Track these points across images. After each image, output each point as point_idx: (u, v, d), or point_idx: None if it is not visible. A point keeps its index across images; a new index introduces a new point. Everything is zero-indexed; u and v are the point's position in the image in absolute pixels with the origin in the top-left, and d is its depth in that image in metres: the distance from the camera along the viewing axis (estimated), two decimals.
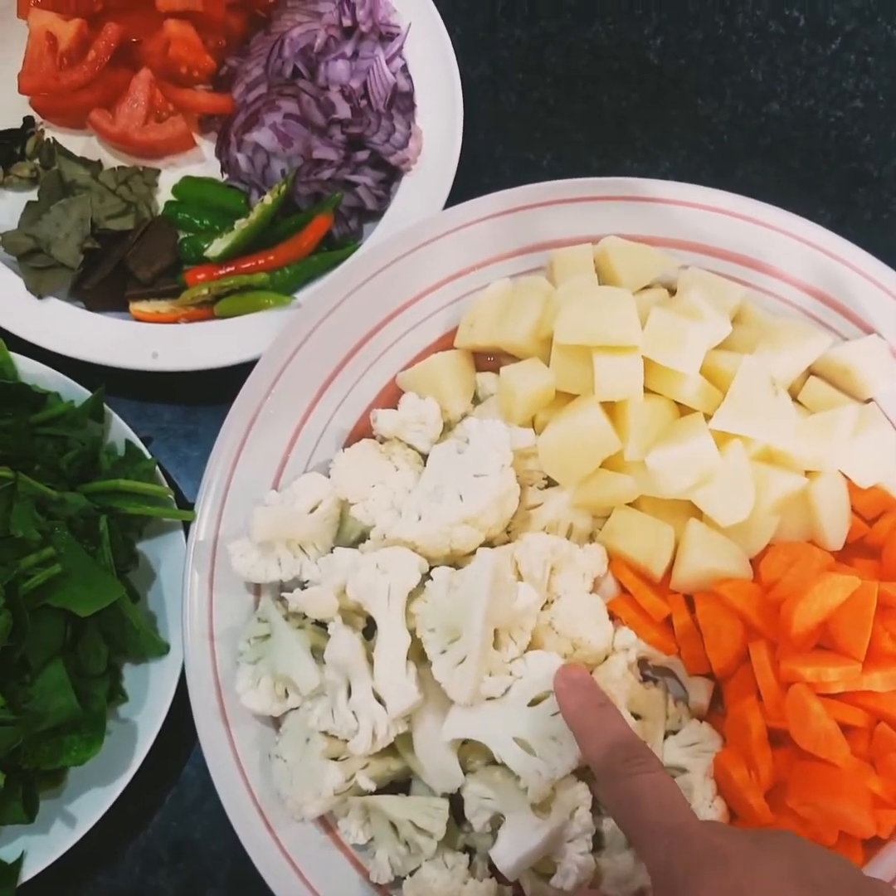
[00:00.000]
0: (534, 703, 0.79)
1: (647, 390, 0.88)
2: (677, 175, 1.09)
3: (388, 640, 0.79)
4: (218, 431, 0.96)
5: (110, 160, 1.06)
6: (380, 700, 0.78)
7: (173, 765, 0.90)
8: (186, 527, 0.89)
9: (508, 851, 0.76)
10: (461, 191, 1.03)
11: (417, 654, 0.81)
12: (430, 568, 0.83)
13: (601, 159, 1.13)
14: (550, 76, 1.16)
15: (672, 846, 0.61)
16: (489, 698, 0.78)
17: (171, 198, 1.05)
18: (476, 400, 0.96)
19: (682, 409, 0.90)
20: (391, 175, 1.04)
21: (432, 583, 0.81)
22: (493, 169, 1.11)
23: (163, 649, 0.85)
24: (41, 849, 0.81)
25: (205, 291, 0.97)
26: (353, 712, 0.77)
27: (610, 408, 0.88)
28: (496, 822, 0.79)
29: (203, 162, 1.07)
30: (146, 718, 0.84)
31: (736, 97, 1.16)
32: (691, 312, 0.89)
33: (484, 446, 0.85)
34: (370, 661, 0.79)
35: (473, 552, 0.85)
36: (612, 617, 0.87)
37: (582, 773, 0.80)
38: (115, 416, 0.91)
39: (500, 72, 1.15)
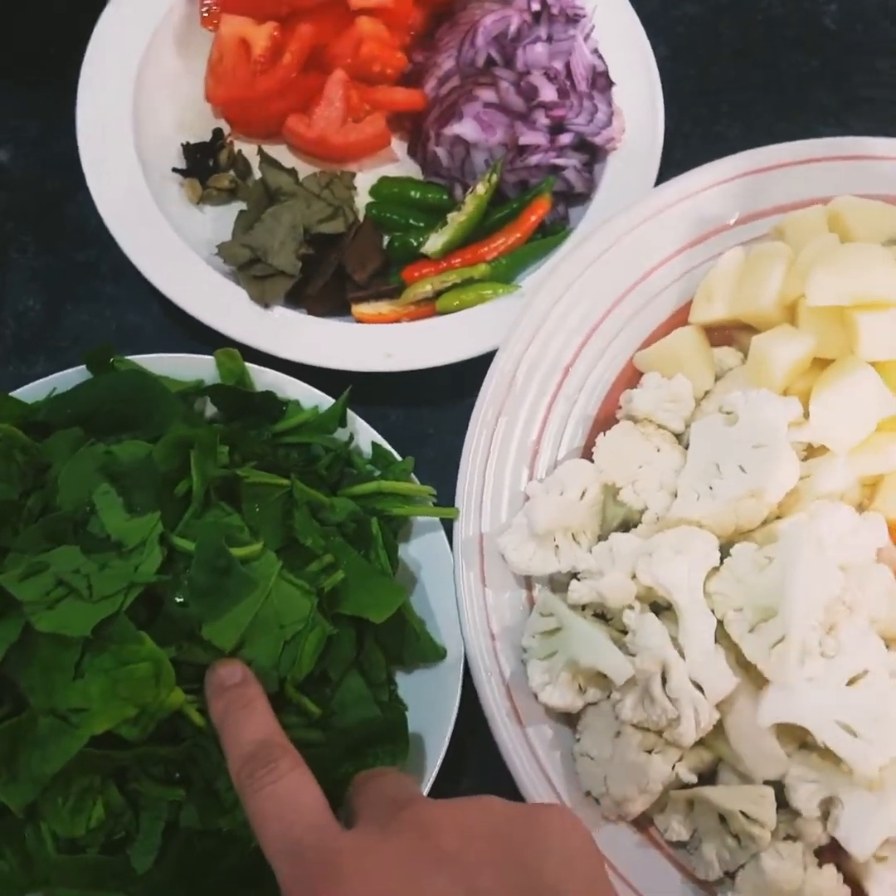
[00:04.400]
0: (851, 682, 0.75)
1: None
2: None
3: (695, 623, 0.76)
4: (447, 431, 0.95)
5: (303, 169, 1.03)
6: (696, 686, 0.74)
7: (451, 775, 0.86)
8: (446, 527, 0.86)
9: (857, 831, 0.72)
10: (659, 168, 1.01)
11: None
12: None
13: (792, 126, 1.09)
14: (728, 49, 1.14)
15: (290, 870, 0.56)
16: (808, 680, 0.75)
17: (369, 200, 1.03)
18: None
19: None
20: (593, 157, 1.01)
21: (734, 560, 0.77)
22: (684, 144, 1.08)
23: (441, 654, 0.82)
24: None
25: (428, 288, 0.95)
26: (671, 700, 0.74)
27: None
28: (827, 805, 0.75)
29: (395, 162, 1.05)
30: (432, 727, 0.80)
31: None
32: None
33: (756, 416, 0.82)
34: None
35: (755, 529, 0.82)
36: None
37: None
38: (359, 419, 0.88)
39: (678, 49, 1.12)
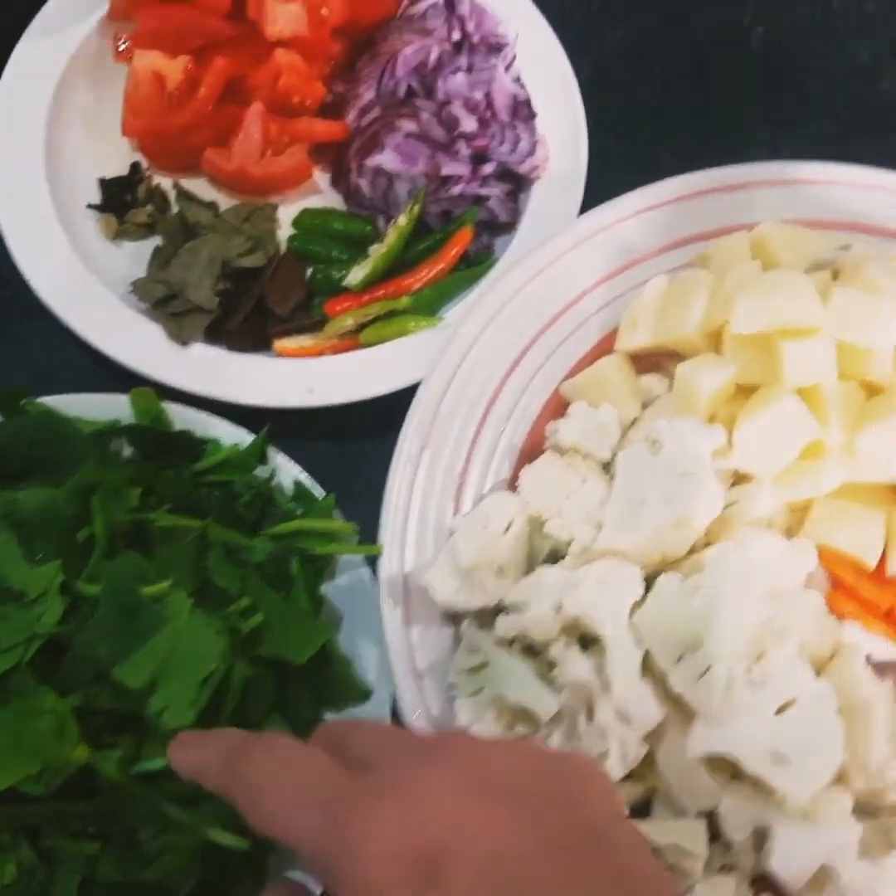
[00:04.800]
0: (780, 710, 0.74)
1: None
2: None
3: (620, 655, 0.74)
4: (375, 465, 0.93)
5: (225, 203, 1.02)
6: (623, 719, 0.73)
7: None
8: (373, 564, 0.84)
9: (790, 861, 0.71)
10: (585, 195, 1.02)
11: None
12: None
13: (723, 150, 1.09)
14: (657, 73, 1.15)
15: (313, 822, 0.48)
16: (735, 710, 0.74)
17: (292, 232, 1.01)
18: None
19: (870, 390, 0.86)
20: (517, 186, 1.01)
21: (659, 590, 0.76)
22: (613, 171, 1.07)
23: (367, 694, 0.80)
24: None
25: (350, 321, 0.94)
26: (598, 734, 0.72)
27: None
28: (759, 836, 0.73)
29: (319, 194, 1.04)
30: None
31: (847, 78, 1.15)
32: (874, 287, 0.85)
33: (681, 445, 0.81)
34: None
35: (681, 559, 0.81)
36: None
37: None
38: (280, 456, 0.87)
39: (605, 73, 1.12)
